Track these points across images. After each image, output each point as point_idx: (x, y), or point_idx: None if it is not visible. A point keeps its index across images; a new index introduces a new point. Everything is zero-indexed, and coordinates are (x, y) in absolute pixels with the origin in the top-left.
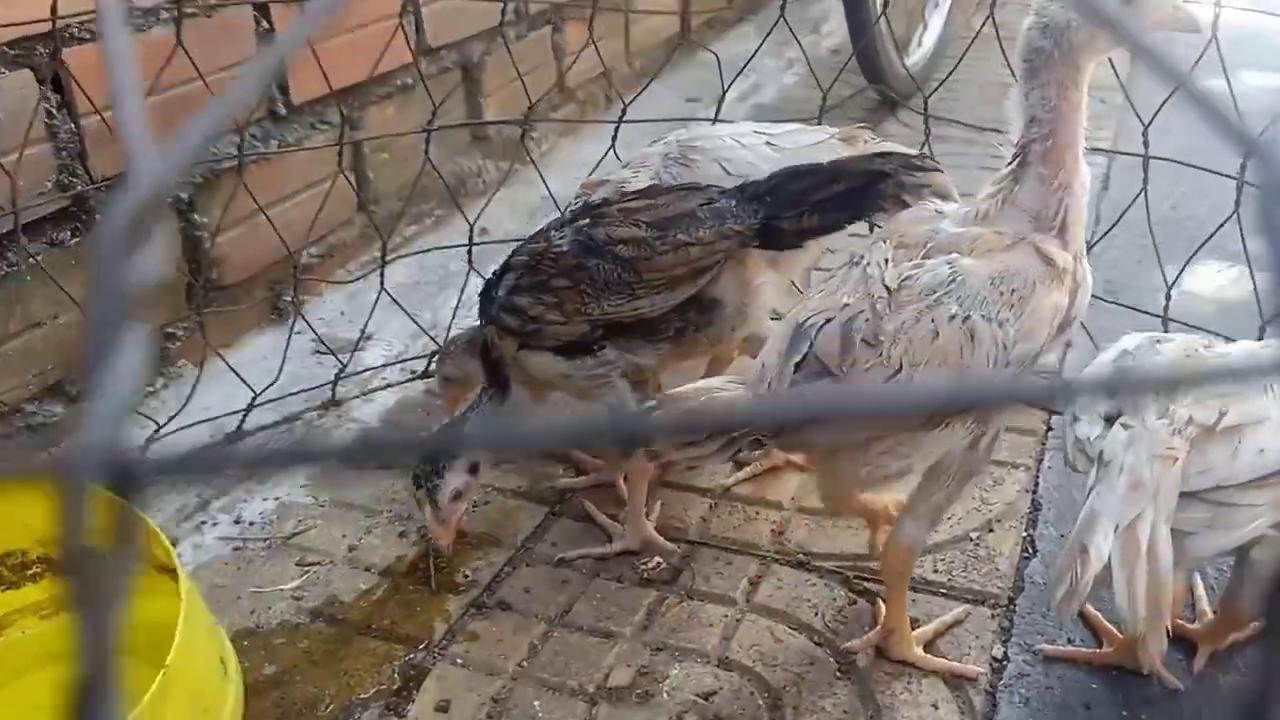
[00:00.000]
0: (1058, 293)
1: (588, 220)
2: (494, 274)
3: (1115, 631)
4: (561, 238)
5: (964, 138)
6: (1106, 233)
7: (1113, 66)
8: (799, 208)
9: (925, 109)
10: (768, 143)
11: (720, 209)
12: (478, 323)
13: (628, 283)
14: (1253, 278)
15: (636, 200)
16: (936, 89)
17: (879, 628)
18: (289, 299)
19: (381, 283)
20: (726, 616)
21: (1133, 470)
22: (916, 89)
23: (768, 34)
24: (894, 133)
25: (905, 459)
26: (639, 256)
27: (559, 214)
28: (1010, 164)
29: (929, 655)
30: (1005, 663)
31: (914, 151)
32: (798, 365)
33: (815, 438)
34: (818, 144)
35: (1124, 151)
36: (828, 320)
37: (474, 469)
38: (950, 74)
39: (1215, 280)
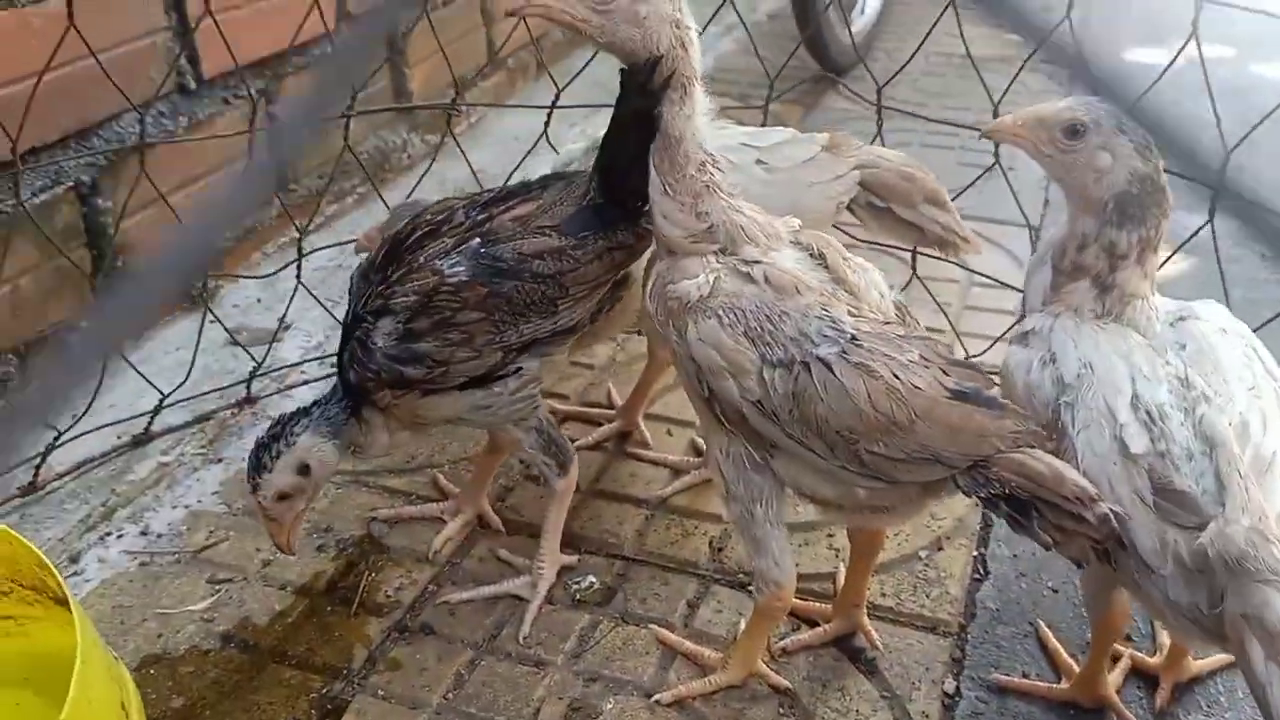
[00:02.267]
0: None
1: (477, 240)
2: (355, 319)
3: (1074, 665)
4: (455, 265)
5: (914, 100)
6: None
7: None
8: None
9: (879, 100)
10: (758, 160)
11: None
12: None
13: (551, 299)
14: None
15: (520, 204)
16: (893, 78)
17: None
18: (202, 285)
19: (298, 276)
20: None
21: None
22: (858, 60)
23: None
24: (836, 106)
25: None
26: (564, 269)
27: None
28: None
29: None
30: (957, 699)
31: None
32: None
33: None
34: (809, 160)
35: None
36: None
37: (304, 469)
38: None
39: None
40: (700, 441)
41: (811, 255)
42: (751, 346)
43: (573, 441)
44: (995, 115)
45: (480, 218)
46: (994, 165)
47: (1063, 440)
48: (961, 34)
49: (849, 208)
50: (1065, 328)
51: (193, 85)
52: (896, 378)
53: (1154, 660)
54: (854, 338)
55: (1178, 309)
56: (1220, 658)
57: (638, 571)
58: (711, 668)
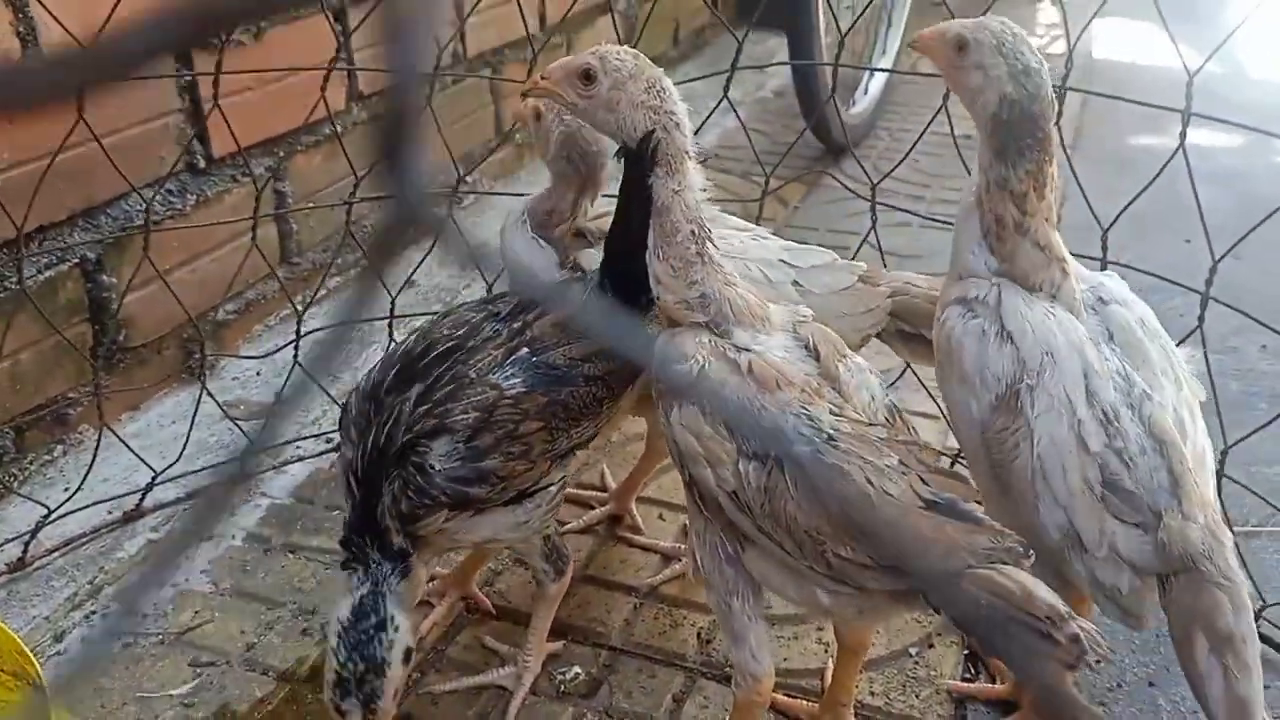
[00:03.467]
0: None
1: (525, 350)
2: (396, 449)
3: None
4: (511, 378)
5: (909, 194)
6: None
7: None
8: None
9: (873, 196)
10: (795, 281)
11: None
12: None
13: (599, 399)
14: None
15: (552, 313)
16: (890, 173)
17: None
18: (200, 358)
19: (296, 355)
20: None
21: (1255, 640)
22: (862, 137)
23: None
24: (838, 185)
25: None
26: (611, 369)
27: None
28: None
29: None
30: None
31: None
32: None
33: None
34: (845, 290)
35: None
36: None
37: (408, 656)
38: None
39: None
40: None
41: (806, 348)
42: (729, 437)
43: (563, 525)
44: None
45: (517, 326)
46: None
47: (1017, 418)
48: (950, 121)
49: (878, 335)
50: (1015, 305)
51: (202, 164)
52: (869, 482)
53: None
54: (831, 437)
55: (1091, 287)
56: None
57: (624, 663)
58: None
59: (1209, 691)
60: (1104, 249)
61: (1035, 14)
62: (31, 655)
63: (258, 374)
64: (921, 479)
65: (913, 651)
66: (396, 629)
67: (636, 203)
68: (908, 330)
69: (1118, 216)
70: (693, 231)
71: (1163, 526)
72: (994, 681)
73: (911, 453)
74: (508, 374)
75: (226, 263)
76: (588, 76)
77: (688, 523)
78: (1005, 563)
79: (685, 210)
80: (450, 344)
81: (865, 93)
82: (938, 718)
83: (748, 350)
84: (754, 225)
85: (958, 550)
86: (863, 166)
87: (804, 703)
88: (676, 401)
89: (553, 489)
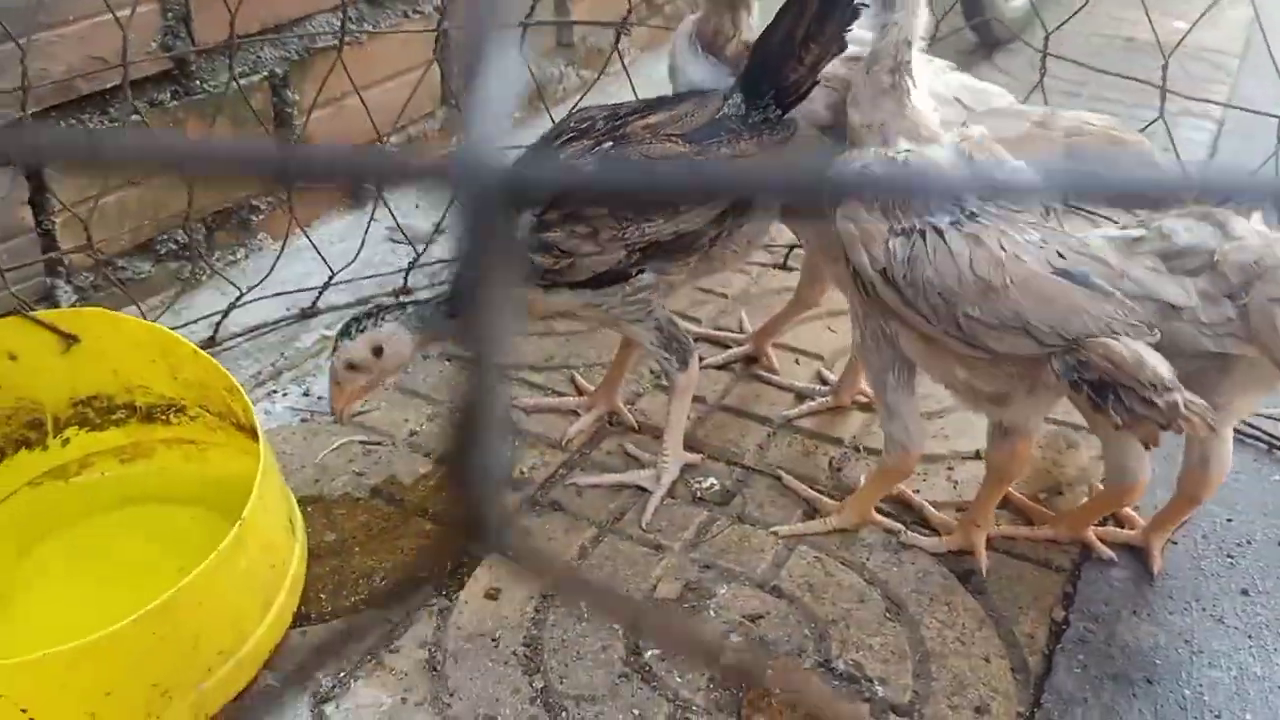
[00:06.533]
0: None
1: (610, 143)
2: None
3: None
4: (586, 166)
5: (1073, 78)
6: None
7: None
8: (792, 58)
9: (1045, 46)
10: (964, 123)
11: (738, 115)
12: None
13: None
14: None
15: (653, 114)
16: (1063, 24)
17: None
18: (369, 184)
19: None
20: (778, 544)
21: None
22: (1020, 31)
23: None
24: (989, 78)
25: None
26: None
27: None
28: None
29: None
30: (1065, 627)
31: None
32: None
33: None
34: (1016, 138)
35: (1256, 110)
36: None
37: (377, 351)
38: (1066, 21)
39: None
40: (826, 373)
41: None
42: (883, 218)
43: (702, 360)
44: (1163, 94)
45: (616, 124)
46: (1158, 119)
47: None
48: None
49: None
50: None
51: None
52: (1002, 248)
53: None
54: (973, 214)
55: None
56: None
57: (756, 480)
58: (827, 512)
59: None
60: (1164, 78)
61: None
62: (242, 391)
63: (417, 206)
64: (1059, 254)
65: (1042, 497)
66: (381, 324)
67: (795, 11)
68: None
69: (1177, 45)
70: (896, 68)
71: (1218, 253)
72: (1122, 527)
73: (1056, 235)
74: (586, 162)
75: (391, 95)
76: None
77: (852, 319)
78: (1128, 335)
79: (893, 44)
80: (571, 134)
81: None
82: (1062, 553)
83: (907, 150)
84: (935, 59)
85: (1080, 312)
86: (1041, 22)
87: (941, 515)
88: (842, 198)
89: (640, 284)
